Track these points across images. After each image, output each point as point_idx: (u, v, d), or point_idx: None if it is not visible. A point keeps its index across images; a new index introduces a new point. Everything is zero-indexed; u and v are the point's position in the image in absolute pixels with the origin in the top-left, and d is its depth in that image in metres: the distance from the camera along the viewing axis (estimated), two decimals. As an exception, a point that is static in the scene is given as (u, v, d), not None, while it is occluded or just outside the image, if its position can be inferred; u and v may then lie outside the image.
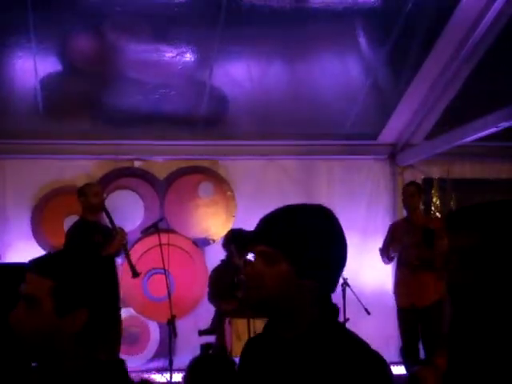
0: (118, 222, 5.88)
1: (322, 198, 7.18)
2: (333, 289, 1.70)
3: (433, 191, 7.35)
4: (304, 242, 1.63)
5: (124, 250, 5.79)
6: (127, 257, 5.80)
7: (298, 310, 1.65)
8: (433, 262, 5.91)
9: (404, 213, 6.88)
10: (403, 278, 6.14)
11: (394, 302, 6.33)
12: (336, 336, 1.64)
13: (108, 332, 5.33)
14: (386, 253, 6.30)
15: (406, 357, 6.10)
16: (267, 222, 1.69)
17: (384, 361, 1.61)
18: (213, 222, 7.11)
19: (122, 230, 5.83)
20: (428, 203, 7.19)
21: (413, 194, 6.25)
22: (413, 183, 6.53)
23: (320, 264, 1.63)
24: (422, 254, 5.99)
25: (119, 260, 6.16)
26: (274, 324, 1.72)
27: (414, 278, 6.01)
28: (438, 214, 7.31)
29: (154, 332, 6.92)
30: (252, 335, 5.18)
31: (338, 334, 1.66)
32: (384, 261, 6.38)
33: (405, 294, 6.10)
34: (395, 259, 6.29)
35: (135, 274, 5.78)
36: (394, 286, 6.40)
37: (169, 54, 5.90)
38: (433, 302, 5.93)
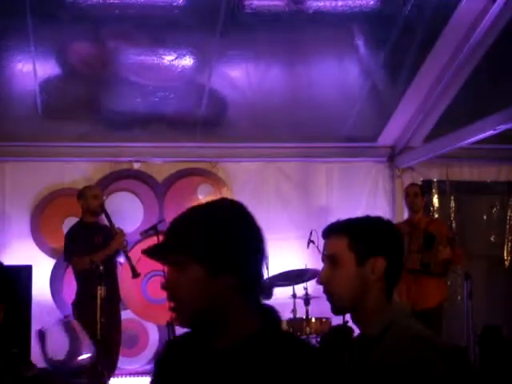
0: (117, 224, 5.90)
1: (321, 200, 7.20)
2: (256, 281, 1.59)
3: (432, 193, 7.36)
4: (203, 239, 1.54)
5: (124, 250, 5.81)
6: (127, 257, 5.82)
7: (227, 315, 1.57)
8: (433, 267, 5.92)
9: (404, 215, 6.90)
10: (404, 283, 6.11)
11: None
12: (282, 343, 1.55)
13: (108, 334, 5.34)
14: None
15: None
16: (167, 231, 1.63)
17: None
18: (212, 225, 7.12)
19: (120, 230, 5.84)
20: (427, 205, 7.19)
21: (416, 194, 6.25)
22: (415, 184, 6.55)
23: (228, 257, 1.54)
24: (424, 260, 5.98)
25: (120, 261, 6.16)
26: (205, 333, 1.61)
27: (416, 283, 6.00)
28: (436, 215, 7.32)
29: (153, 334, 6.93)
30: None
31: (284, 341, 1.57)
32: None
33: (406, 296, 6.09)
34: None
35: (135, 275, 5.79)
36: None
37: (168, 57, 5.91)
38: (433, 305, 5.94)
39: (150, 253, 1.65)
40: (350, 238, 2.00)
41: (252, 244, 1.59)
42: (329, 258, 2.04)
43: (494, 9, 5.30)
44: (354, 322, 2.06)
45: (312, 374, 1.50)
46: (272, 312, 1.63)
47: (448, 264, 6.08)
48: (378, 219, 2.09)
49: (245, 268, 1.56)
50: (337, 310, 2.05)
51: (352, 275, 1.99)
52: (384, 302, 2.01)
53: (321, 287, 2.06)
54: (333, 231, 2.06)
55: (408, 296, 6.04)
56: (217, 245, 1.54)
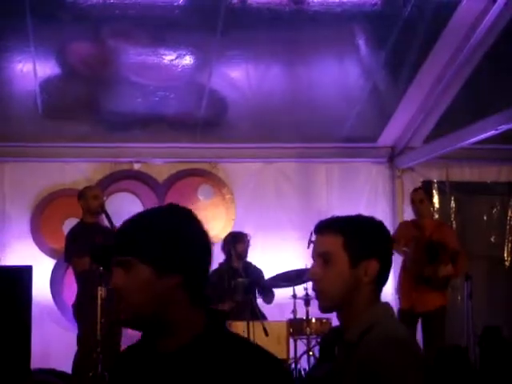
0: (117, 225, 5.89)
1: (321, 201, 7.19)
2: (202, 281, 1.63)
3: (432, 194, 7.34)
4: (150, 239, 1.57)
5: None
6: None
7: (174, 315, 1.58)
8: (433, 281, 5.90)
9: (403, 216, 6.90)
10: (406, 285, 6.08)
11: (395, 304, 6.29)
12: (227, 343, 1.59)
13: (108, 334, 5.34)
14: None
15: None
16: (116, 234, 1.67)
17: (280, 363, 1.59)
18: (212, 225, 7.10)
19: (120, 231, 5.83)
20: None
21: (422, 201, 6.19)
22: (420, 188, 6.49)
23: (175, 257, 1.56)
24: (425, 274, 5.94)
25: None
26: (152, 335, 1.63)
27: (417, 288, 5.97)
28: (436, 216, 7.30)
29: (154, 335, 6.92)
30: (251, 338, 5.16)
31: (229, 340, 1.61)
32: None
33: (406, 298, 6.06)
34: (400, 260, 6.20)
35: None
36: (397, 286, 6.27)
37: (168, 57, 5.91)
38: (434, 307, 5.91)
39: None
40: (346, 238, 1.99)
41: (198, 245, 1.62)
42: (321, 255, 2.02)
43: (495, 9, 5.30)
44: (340, 321, 2.05)
45: (258, 374, 1.52)
46: (216, 312, 1.67)
47: (448, 280, 6.07)
48: (372, 220, 2.07)
49: (191, 268, 1.59)
50: (324, 308, 2.04)
51: (345, 275, 1.98)
52: (372, 303, 2.01)
53: None
54: (327, 228, 2.04)
55: (408, 298, 6.02)
56: (163, 245, 1.56)
